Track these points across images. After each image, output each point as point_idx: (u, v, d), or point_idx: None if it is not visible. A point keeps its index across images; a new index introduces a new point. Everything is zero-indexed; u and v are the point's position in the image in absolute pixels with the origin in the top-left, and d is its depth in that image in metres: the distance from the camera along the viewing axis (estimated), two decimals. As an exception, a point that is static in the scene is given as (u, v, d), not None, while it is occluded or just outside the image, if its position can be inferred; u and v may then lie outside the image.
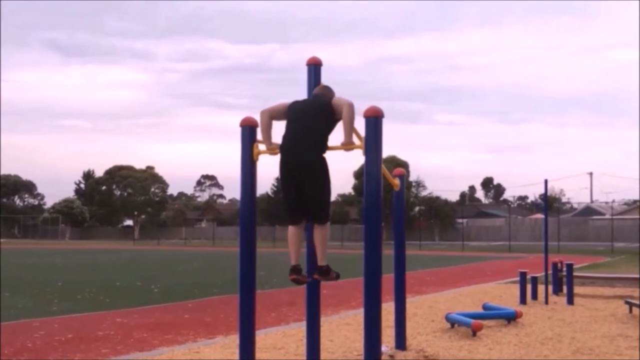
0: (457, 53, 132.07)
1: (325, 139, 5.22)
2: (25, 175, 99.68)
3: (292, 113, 5.30)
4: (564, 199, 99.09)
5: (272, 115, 5.44)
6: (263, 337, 8.06)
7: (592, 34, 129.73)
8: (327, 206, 5.27)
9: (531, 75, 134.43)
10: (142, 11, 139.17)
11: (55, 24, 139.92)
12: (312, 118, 5.19)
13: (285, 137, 5.28)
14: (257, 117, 5.62)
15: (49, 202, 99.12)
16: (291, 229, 5.34)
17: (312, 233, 5.37)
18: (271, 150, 5.43)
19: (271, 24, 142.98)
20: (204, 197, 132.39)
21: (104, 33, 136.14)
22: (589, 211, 74.29)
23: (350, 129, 5.13)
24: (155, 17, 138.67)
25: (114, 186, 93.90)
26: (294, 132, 5.22)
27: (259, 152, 5.54)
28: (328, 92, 5.46)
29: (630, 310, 10.52)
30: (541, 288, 12.59)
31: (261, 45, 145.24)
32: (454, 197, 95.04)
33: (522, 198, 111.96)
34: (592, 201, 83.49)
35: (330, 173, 5.21)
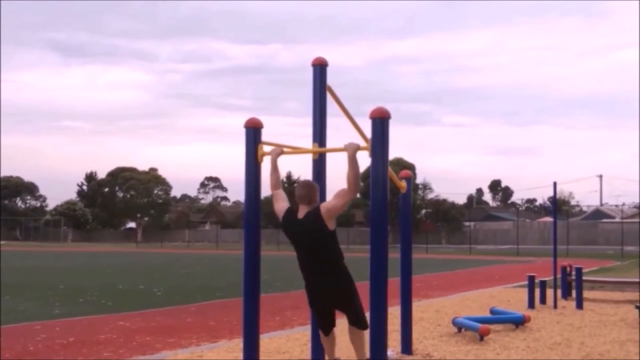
0: (464, 54, 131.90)
1: (334, 247, 5.33)
2: (27, 177, 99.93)
3: (288, 231, 5.41)
4: (573, 202, 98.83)
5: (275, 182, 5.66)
6: (267, 341, 8.06)
7: (601, 34, 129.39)
8: (360, 322, 5.44)
9: (539, 76, 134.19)
10: (144, 11, 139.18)
11: (56, 23, 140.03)
12: (312, 245, 5.27)
13: (298, 261, 5.46)
14: (261, 119, 5.63)
15: (51, 204, 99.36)
16: (323, 336, 5.66)
17: None
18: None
19: (275, 23, 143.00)
20: (207, 199, 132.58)
21: (105, 33, 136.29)
22: (598, 214, 74.08)
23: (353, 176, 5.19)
24: (157, 16, 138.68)
25: (117, 188, 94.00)
26: (300, 254, 5.39)
27: (264, 154, 5.55)
28: (312, 195, 5.39)
29: (641, 315, 10.48)
30: (550, 292, 12.56)
31: (265, 46, 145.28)
32: (461, 199, 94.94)
33: (531, 201, 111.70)
34: (601, 204, 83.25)
35: (351, 276, 5.44)
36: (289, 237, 5.38)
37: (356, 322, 5.37)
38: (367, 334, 5.23)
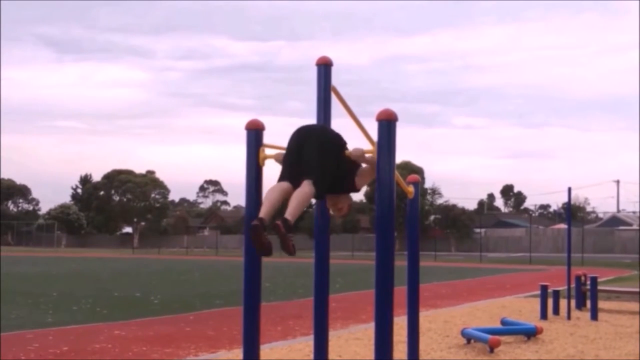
0: (475, 52, 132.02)
1: (335, 156, 5.05)
2: (19, 180, 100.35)
3: (295, 135, 5.13)
4: (588, 208, 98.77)
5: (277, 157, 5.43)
6: (268, 352, 8.08)
7: (618, 32, 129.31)
8: (323, 169, 4.96)
9: (554, 75, 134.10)
10: (141, 5, 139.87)
11: (49, 17, 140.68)
12: (321, 132, 5.13)
13: (287, 152, 5.11)
14: (263, 119, 5.63)
15: (44, 208, 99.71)
16: (276, 185, 5.05)
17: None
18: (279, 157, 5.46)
19: (278, 19, 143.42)
20: (207, 203, 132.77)
21: (100, 28, 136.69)
22: (615, 221, 73.96)
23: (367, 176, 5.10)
24: (154, 11, 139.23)
25: (113, 191, 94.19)
26: (298, 140, 5.06)
27: (266, 157, 5.56)
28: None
29: (658, 327, 10.47)
30: (563, 302, 12.56)
31: (267, 43, 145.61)
32: (471, 205, 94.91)
33: (544, 207, 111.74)
34: (618, 211, 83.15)
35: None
36: (292, 139, 5.12)
37: (311, 172, 4.91)
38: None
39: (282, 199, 5.01)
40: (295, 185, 4.95)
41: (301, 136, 5.08)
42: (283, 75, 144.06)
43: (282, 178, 5.05)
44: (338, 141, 5.15)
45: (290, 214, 4.88)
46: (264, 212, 4.92)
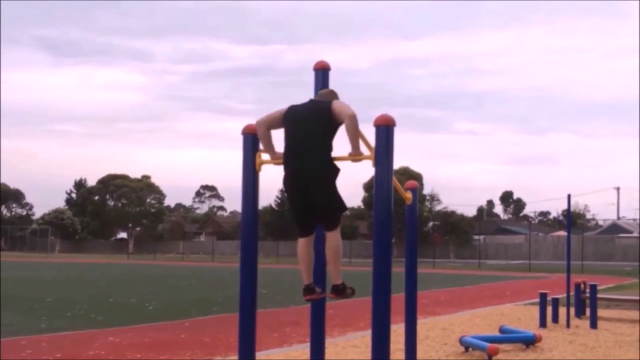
0: (478, 55, 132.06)
1: (329, 141, 5.22)
2: (12, 184, 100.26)
3: (290, 119, 5.29)
4: (588, 215, 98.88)
5: (269, 125, 5.44)
6: (265, 359, 8.07)
7: (624, 35, 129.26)
8: (338, 211, 5.22)
9: (558, 79, 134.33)
10: (140, 7, 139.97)
11: (47, 19, 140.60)
12: (311, 122, 5.18)
13: (286, 146, 5.30)
14: (259, 125, 5.64)
15: (38, 213, 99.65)
16: (301, 243, 5.31)
17: (324, 245, 5.35)
18: (275, 160, 5.45)
19: (278, 23, 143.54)
20: (203, 208, 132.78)
21: (99, 31, 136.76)
22: (615, 228, 74.02)
23: (355, 141, 5.13)
24: (154, 14, 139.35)
25: (108, 196, 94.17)
26: (295, 140, 5.22)
27: (262, 162, 5.58)
28: (329, 96, 5.44)
29: (658, 336, 10.48)
30: (563, 310, 12.56)
31: (267, 46, 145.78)
32: (470, 211, 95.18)
33: (544, 214, 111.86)
34: (618, 218, 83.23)
35: (338, 174, 5.22)
36: (287, 125, 5.28)
37: (332, 222, 5.19)
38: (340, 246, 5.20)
39: (312, 254, 5.40)
40: (311, 228, 5.29)
41: (304, 173, 5.16)
42: (283, 79, 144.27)
43: (298, 222, 5.29)
44: (327, 114, 5.18)
45: (334, 276, 5.29)
46: (306, 277, 5.34)
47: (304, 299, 5.38)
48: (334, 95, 5.43)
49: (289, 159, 5.22)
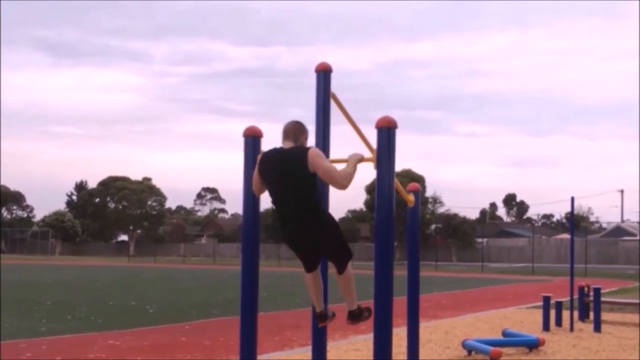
0: (479, 57, 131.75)
1: (311, 188, 5.07)
2: (13, 186, 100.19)
3: (266, 172, 5.16)
4: (592, 218, 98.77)
5: (259, 190, 5.36)
6: (265, 363, 8.07)
7: (626, 37, 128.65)
8: (344, 251, 5.22)
9: (559, 81, 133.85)
10: (138, 8, 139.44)
11: (44, 20, 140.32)
12: (288, 174, 5.03)
13: (272, 202, 5.23)
14: (263, 125, 5.65)
15: (38, 215, 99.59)
16: (307, 276, 5.34)
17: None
18: None
19: (278, 24, 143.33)
20: (204, 211, 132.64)
21: (97, 32, 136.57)
22: (619, 231, 73.93)
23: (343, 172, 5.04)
24: (152, 15, 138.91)
25: (108, 198, 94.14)
26: (277, 196, 5.15)
27: (263, 164, 5.57)
28: (297, 132, 5.22)
29: (663, 339, 10.46)
30: (566, 314, 12.54)
31: (267, 48, 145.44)
32: (473, 214, 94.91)
33: (547, 216, 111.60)
34: (622, 221, 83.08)
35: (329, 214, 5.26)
36: (264, 174, 5.15)
37: (341, 265, 5.18)
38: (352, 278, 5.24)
39: (320, 283, 5.42)
40: (316, 263, 5.30)
41: (298, 230, 5.13)
42: (283, 81, 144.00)
43: (303, 262, 5.30)
44: (304, 165, 5.01)
45: (349, 304, 5.37)
46: (317, 305, 5.41)
47: (318, 326, 5.45)
48: (301, 130, 5.25)
49: (280, 218, 5.22)
